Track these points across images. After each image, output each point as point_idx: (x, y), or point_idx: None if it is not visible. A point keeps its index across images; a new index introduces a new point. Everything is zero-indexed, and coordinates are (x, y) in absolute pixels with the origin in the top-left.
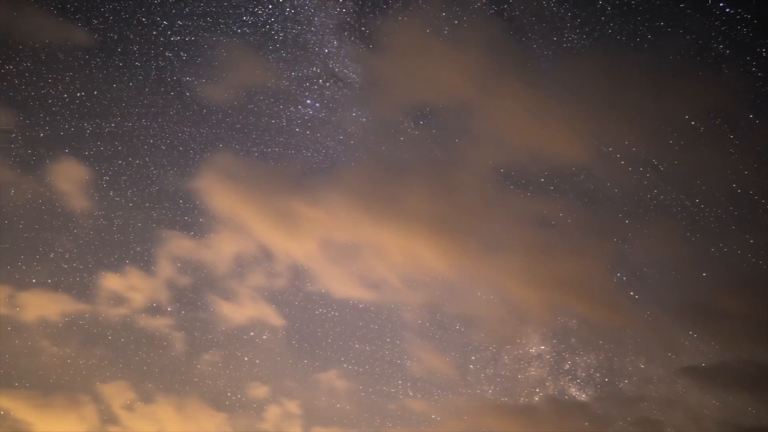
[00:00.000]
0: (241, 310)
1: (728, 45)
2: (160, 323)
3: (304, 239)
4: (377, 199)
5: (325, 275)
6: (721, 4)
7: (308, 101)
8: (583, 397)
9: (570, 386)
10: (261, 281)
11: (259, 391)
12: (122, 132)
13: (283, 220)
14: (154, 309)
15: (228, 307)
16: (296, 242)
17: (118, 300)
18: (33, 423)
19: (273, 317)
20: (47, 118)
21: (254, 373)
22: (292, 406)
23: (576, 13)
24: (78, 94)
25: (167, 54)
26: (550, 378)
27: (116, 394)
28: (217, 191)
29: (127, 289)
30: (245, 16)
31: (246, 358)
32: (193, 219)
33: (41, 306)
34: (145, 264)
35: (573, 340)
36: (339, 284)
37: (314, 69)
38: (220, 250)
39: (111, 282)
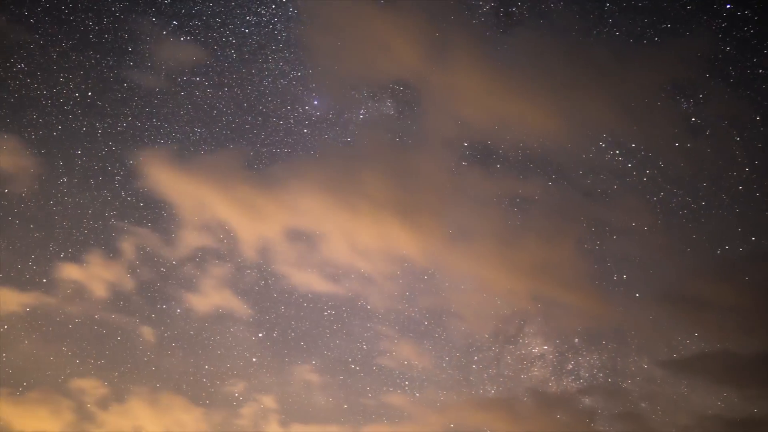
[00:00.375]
0: (206, 301)
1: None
2: (122, 316)
3: (267, 229)
4: (337, 187)
5: (291, 266)
6: None
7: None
8: (560, 387)
9: (549, 377)
10: (226, 272)
11: (233, 385)
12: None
13: (244, 210)
14: (117, 302)
15: (193, 298)
16: (258, 232)
17: (78, 292)
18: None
19: (241, 309)
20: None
21: (225, 366)
22: (268, 401)
23: None
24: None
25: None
26: (527, 369)
27: (86, 390)
28: (173, 180)
29: (89, 279)
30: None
31: (219, 352)
32: (154, 210)
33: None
34: (107, 254)
35: (549, 329)
36: (306, 275)
37: None
38: (183, 241)
39: (70, 273)
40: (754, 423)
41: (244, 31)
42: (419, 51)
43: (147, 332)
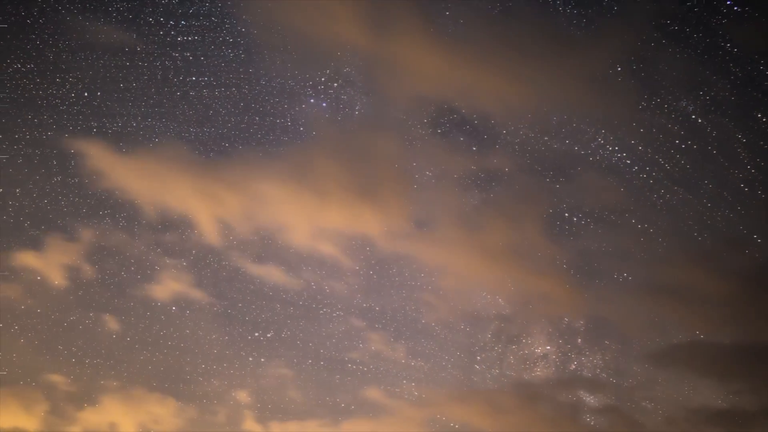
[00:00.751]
0: (167, 292)
1: None
2: (83, 308)
3: (230, 220)
4: (296, 176)
5: (252, 257)
6: None
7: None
8: (538, 377)
9: (523, 369)
10: (186, 262)
11: (206, 380)
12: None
13: (203, 200)
14: (76, 293)
15: (154, 289)
16: (221, 224)
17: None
18: None
19: (204, 299)
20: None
21: (188, 360)
22: (242, 396)
23: None
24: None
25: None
26: (505, 361)
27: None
28: (127, 169)
29: (46, 269)
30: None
31: (182, 345)
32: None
33: None
34: (64, 242)
35: (517, 318)
36: (266, 267)
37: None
38: (144, 232)
39: (27, 261)
40: (737, 415)
41: None
42: (364, 28)
43: (111, 324)
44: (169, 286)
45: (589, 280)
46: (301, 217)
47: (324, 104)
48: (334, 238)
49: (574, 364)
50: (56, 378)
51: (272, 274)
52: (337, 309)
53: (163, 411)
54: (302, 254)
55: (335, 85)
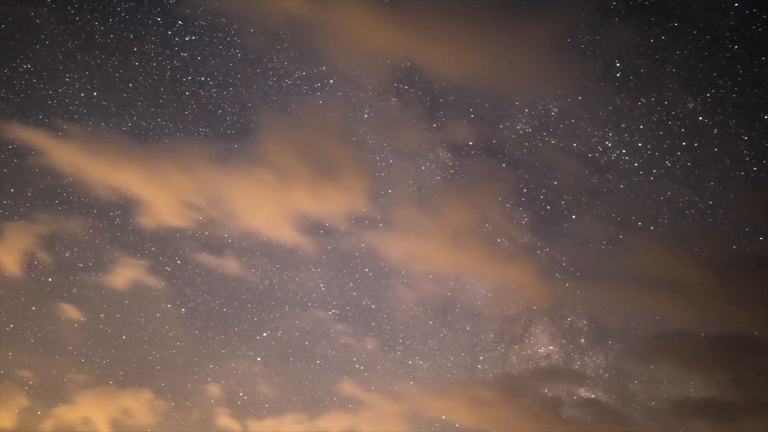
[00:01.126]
0: (122, 280)
1: None
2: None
3: (178, 203)
4: (246, 161)
5: (209, 246)
6: None
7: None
8: (522, 371)
9: (478, 360)
10: (143, 251)
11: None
12: None
13: (150, 183)
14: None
15: (111, 278)
16: (171, 208)
17: None
18: None
19: (161, 287)
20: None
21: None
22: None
23: None
24: None
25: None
26: (478, 350)
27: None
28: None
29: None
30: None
31: (145, 337)
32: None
33: None
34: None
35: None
36: (221, 257)
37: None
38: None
39: None
40: (722, 407)
41: None
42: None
43: (70, 313)
44: (126, 275)
45: (561, 268)
46: (257, 204)
47: (271, 81)
48: (293, 222)
49: (553, 357)
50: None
51: (229, 264)
52: (299, 299)
53: (135, 404)
54: (260, 241)
55: (278, 58)
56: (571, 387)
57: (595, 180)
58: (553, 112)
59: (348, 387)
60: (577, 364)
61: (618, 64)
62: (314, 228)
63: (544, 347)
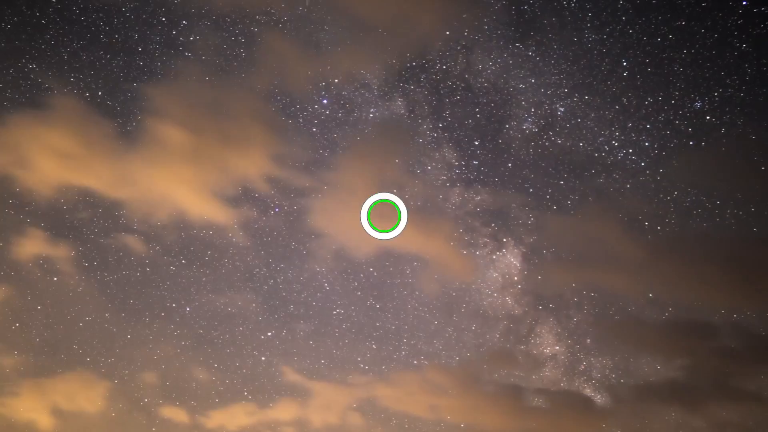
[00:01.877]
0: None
1: None
2: None
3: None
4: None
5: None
6: None
7: None
8: (477, 354)
9: (460, 345)
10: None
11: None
12: None
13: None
14: None
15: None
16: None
17: None
18: None
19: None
20: None
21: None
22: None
23: None
24: None
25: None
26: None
27: None
28: None
29: None
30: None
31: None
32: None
33: None
34: None
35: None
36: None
37: None
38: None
39: None
40: (686, 390)
41: None
42: None
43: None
44: (30, 249)
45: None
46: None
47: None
48: (211, 196)
49: (512, 342)
50: None
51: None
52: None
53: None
54: (181, 223)
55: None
56: (530, 374)
57: (602, 180)
58: (560, 111)
59: (291, 375)
60: (583, 365)
61: (625, 63)
62: (231, 195)
63: (550, 347)
